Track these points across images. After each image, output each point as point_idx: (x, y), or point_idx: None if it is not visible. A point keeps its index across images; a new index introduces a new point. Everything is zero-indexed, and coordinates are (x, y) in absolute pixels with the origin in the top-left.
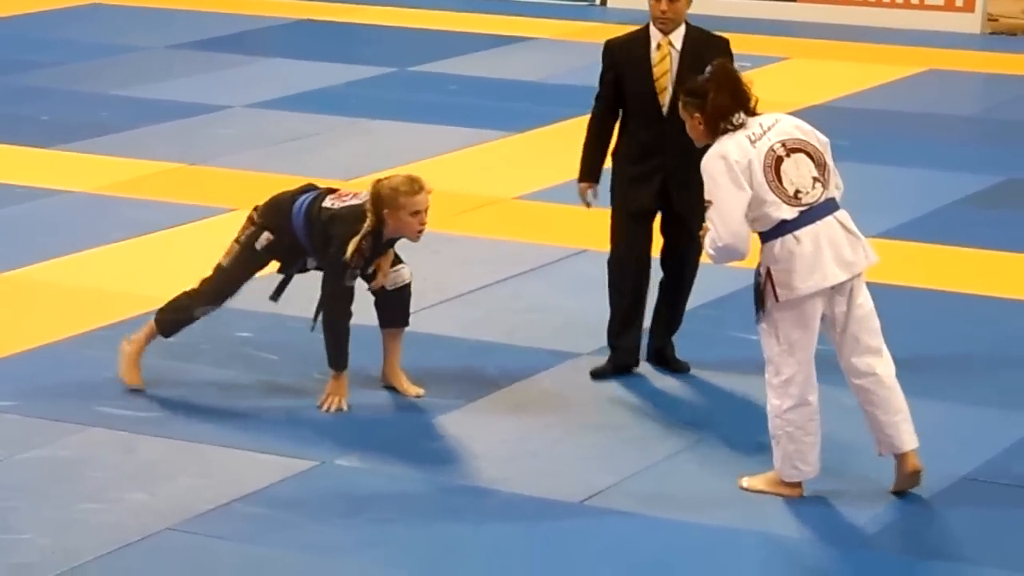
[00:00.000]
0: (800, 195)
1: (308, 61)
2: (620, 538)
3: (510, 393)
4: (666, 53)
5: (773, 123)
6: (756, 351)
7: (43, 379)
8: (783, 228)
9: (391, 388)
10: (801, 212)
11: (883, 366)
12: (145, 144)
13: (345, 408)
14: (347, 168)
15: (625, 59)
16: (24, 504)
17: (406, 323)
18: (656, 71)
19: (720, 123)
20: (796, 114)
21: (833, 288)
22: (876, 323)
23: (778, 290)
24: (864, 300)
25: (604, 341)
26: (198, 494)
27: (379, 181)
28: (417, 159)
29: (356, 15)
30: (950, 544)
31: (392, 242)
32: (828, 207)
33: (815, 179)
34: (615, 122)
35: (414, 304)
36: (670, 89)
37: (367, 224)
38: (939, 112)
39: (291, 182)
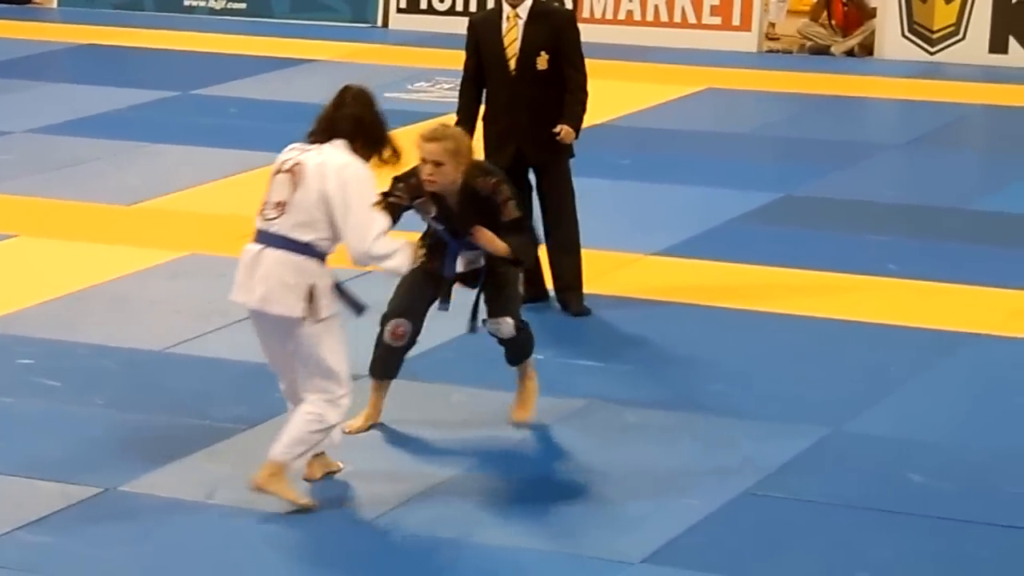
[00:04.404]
0: (265, 210)
1: (91, 86)
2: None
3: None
4: (513, 24)
5: (326, 151)
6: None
7: None
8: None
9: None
10: (259, 229)
11: (304, 400)
12: None
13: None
14: (132, 192)
15: (483, 31)
16: None
17: (512, 363)
18: (506, 39)
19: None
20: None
21: (269, 317)
22: (319, 367)
23: None
24: (306, 343)
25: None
26: None
27: None
28: (201, 182)
29: (139, 39)
30: (729, 558)
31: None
32: (278, 241)
33: (278, 204)
34: (480, 90)
35: (198, 327)
36: (518, 54)
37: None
38: (718, 130)
39: (74, 208)
